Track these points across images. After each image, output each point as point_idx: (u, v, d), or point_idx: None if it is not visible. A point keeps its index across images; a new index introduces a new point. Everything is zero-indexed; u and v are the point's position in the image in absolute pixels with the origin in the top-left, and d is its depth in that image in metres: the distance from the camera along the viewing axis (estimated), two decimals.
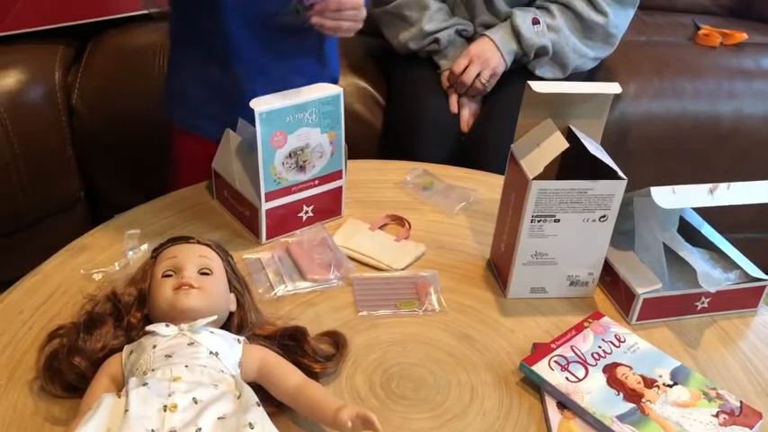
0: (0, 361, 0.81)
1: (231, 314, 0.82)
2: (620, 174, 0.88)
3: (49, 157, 1.52)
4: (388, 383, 0.82)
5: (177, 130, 1.27)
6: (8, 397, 0.77)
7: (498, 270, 0.99)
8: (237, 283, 0.84)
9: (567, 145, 0.87)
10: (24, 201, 1.50)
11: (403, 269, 0.99)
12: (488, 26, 1.48)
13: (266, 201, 0.99)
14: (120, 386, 0.72)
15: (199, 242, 0.83)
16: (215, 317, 0.76)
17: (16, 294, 0.91)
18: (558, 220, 0.89)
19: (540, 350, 0.85)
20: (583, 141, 0.90)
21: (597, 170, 0.89)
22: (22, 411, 0.75)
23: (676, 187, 0.89)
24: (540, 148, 0.89)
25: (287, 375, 0.75)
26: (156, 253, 0.83)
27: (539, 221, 0.89)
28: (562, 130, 0.90)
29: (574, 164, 0.93)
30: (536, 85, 0.89)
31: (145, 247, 0.97)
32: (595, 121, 0.94)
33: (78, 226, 1.17)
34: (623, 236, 0.97)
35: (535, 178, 0.86)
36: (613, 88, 0.91)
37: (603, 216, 0.90)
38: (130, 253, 0.97)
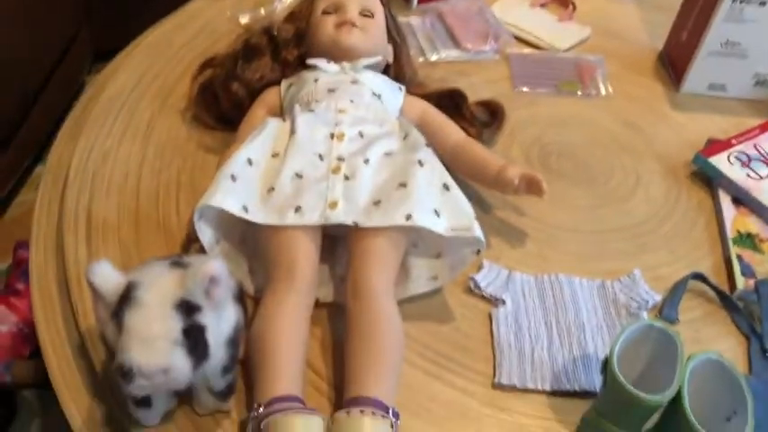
0: (152, 89, 0.79)
1: (387, 66, 0.76)
2: None
3: None
4: (546, 159, 0.77)
5: None
6: (162, 122, 0.76)
7: (673, 62, 0.89)
8: (396, 35, 0.78)
9: None
10: None
11: (566, 50, 0.91)
12: None
13: None
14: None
15: None
16: (379, 57, 0.71)
17: (162, 30, 0.88)
18: (765, 3, 0.77)
19: (716, 144, 0.77)
20: None
21: None
22: (176, 136, 0.75)
23: None
24: None
25: (448, 130, 0.70)
26: None
27: (741, 2, 0.78)
28: None
29: None
30: None
31: None
32: None
33: None
34: None
35: None
36: None
37: None
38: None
